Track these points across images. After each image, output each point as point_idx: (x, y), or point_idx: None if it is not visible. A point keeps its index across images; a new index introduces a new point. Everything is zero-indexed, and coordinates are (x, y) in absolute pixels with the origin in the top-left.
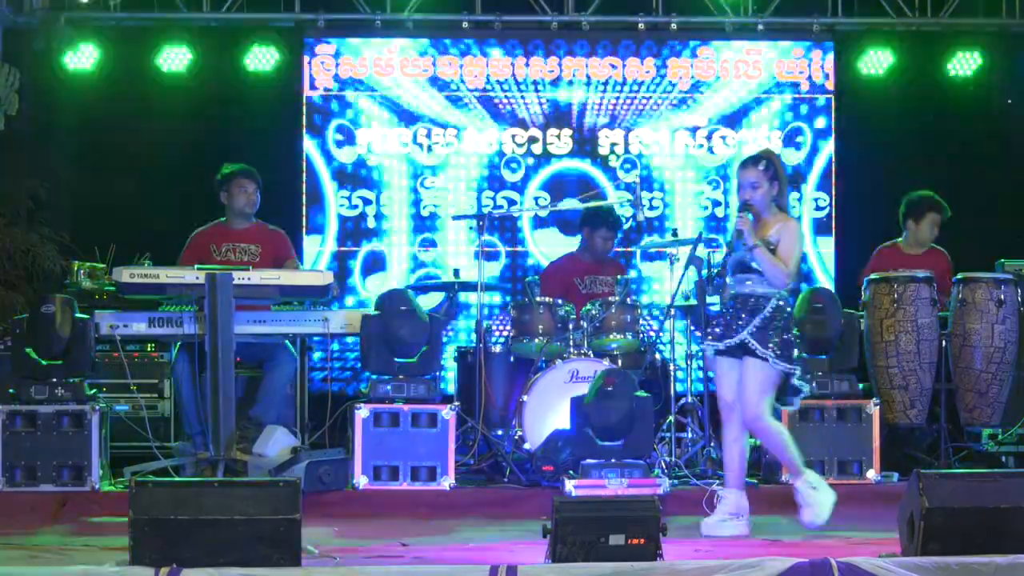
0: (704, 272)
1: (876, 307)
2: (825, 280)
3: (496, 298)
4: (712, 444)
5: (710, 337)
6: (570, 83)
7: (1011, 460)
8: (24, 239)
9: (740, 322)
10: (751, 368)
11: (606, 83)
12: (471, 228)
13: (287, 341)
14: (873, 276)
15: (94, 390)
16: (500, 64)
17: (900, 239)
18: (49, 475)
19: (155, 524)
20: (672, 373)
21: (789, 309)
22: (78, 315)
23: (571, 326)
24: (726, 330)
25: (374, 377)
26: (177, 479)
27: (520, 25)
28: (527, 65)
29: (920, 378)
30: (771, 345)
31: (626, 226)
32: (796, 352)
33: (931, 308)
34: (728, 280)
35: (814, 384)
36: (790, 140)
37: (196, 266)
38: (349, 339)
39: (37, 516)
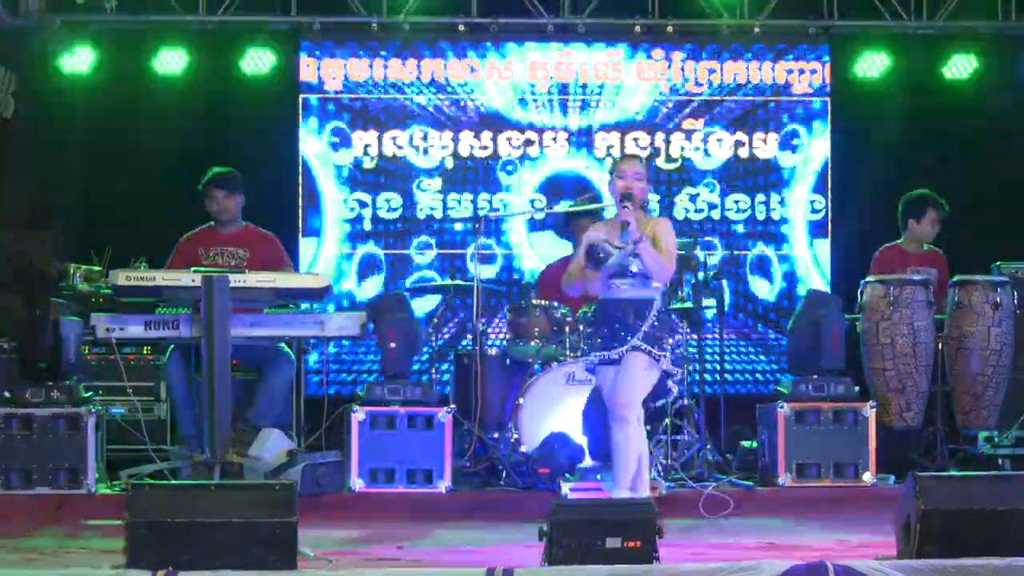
0: (700, 275)
1: (872, 310)
2: (821, 283)
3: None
4: (709, 447)
5: (595, 349)
6: (566, 85)
7: (1007, 463)
8: (19, 242)
9: (626, 330)
10: (639, 362)
11: (602, 86)
12: (467, 230)
13: (284, 344)
14: (869, 279)
15: (90, 393)
16: (496, 66)
17: (900, 240)
18: (45, 478)
19: (151, 527)
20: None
21: (665, 308)
22: (68, 318)
23: (567, 329)
24: (611, 340)
25: (369, 379)
26: (173, 482)
27: (516, 28)
28: (523, 67)
29: (916, 381)
30: (662, 348)
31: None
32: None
33: (927, 311)
34: (619, 284)
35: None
36: (786, 143)
37: (192, 269)
38: (345, 342)
39: (33, 519)
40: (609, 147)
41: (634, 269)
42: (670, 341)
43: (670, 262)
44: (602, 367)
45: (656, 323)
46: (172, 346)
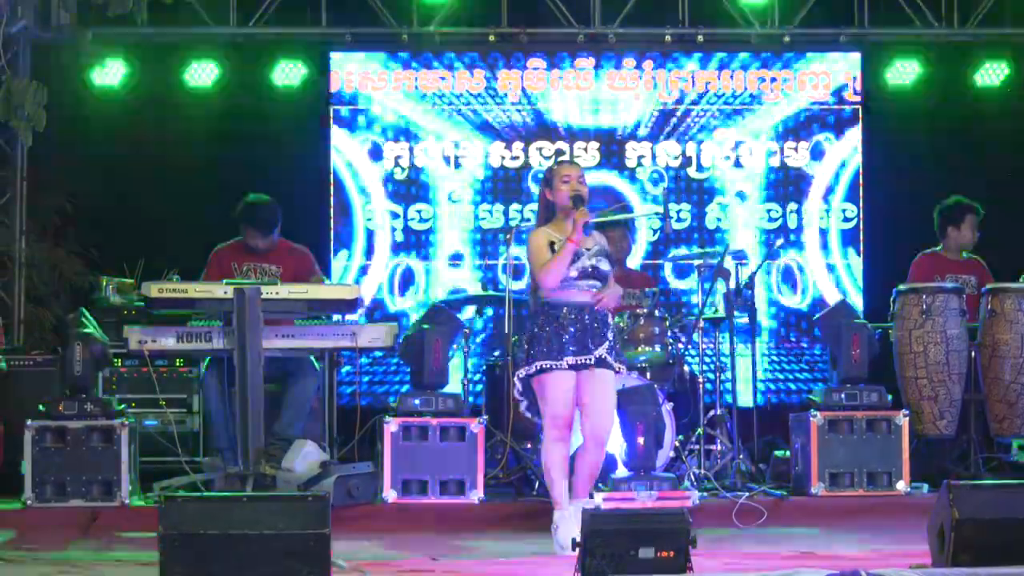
0: (732, 284)
1: (905, 318)
2: (854, 292)
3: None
4: (742, 456)
5: (566, 354)
6: (597, 96)
7: None
8: (52, 254)
9: (595, 336)
10: (608, 381)
11: (633, 95)
12: (499, 241)
13: (310, 355)
14: (901, 287)
15: (123, 405)
16: (527, 77)
17: (939, 247)
18: (79, 490)
19: (185, 539)
20: (700, 385)
21: None
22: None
23: None
24: (580, 346)
25: (403, 391)
26: (206, 494)
27: (547, 38)
28: (554, 77)
29: (949, 389)
30: (619, 358)
31: (654, 238)
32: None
33: (960, 319)
34: (577, 286)
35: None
36: (817, 151)
37: (224, 281)
38: (377, 353)
39: (67, 532)
40: (640, 157)
41: (604, 268)
42: (617, 350)
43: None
44: (559, 373)
45: (615, 333)
46: (208, 358)
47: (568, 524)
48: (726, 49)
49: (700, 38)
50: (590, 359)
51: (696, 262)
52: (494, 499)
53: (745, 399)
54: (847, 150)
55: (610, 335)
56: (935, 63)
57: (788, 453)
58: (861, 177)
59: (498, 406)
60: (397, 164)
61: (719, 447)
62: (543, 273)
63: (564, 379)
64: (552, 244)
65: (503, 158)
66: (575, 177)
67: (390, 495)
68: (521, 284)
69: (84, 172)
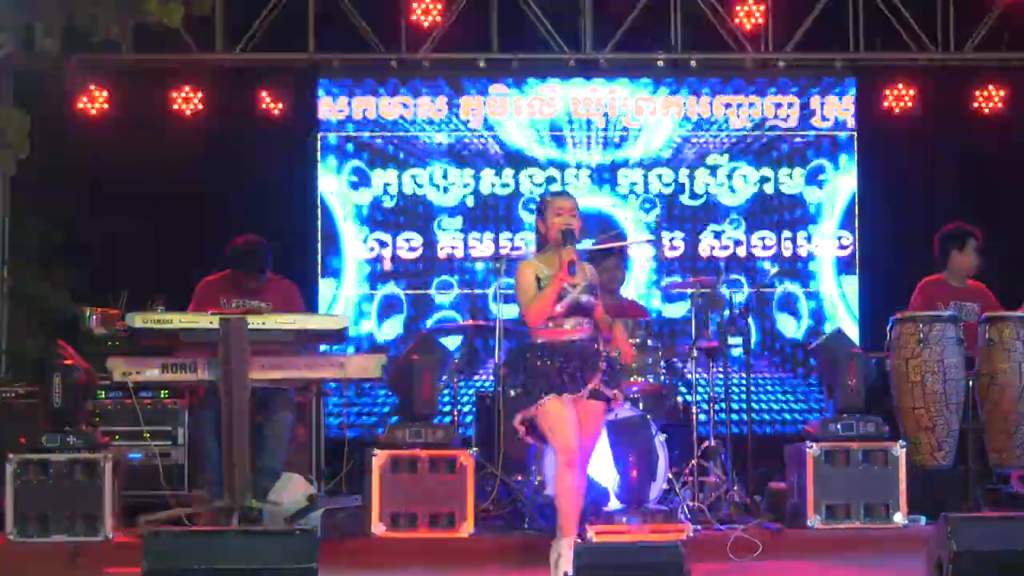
0: (726, 312)
1: (902, 347)
2: (849, 320)
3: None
4: (736, 488)
5: (558, 387)
6: (588, 122)
7: None
8: (35, 285)
9: (588, 369)
10: (598, 408)
11: (624, 121)
12: (488, 270)
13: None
14: (898, 315)
15: (107, 439)
16: (517, 103)
17: (943, 274)
18: (61, 525)
19: (169, 574)
20: (694, 416)
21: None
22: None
23: None
24: (573, 381)
25: (391, 422)
26: (192, 528)
27: (537, 63)
28: (545, 104)
29: (947, 419)
30: (612, 386)
31: (648, 267)
32: None
33: (957, 347)
34: (565, 323)
35: (839, 425)
36: (812, 177)
37: (210, 311)
38: (366, 384)
39: (50, 567)
40: (632, 184)
41: (590, 306)
42: (611, 381)
43: (606, 318)
44: (559, 403)
45: (606, 363)
46: (200, 389)
47: (570, 555)
48: (719, 75)
49: (693, 63)
50: (584, 392)
51: (689, 290)
52: (485, 533)
53: (739, 430)
54: (842, 176)
55: (603, 365)
56: (932, 88)
57: (784, 485)
58: (857, 204)
59: (488, 437)
60: (385, 192)
61: (713, 479)
62: (528, 311)
63: (566, 408)
64: (539, 280)
65: (493, 185)
66: (567, 210)
67: (378, 529)
68: (512, 312)
69: (68, 201)
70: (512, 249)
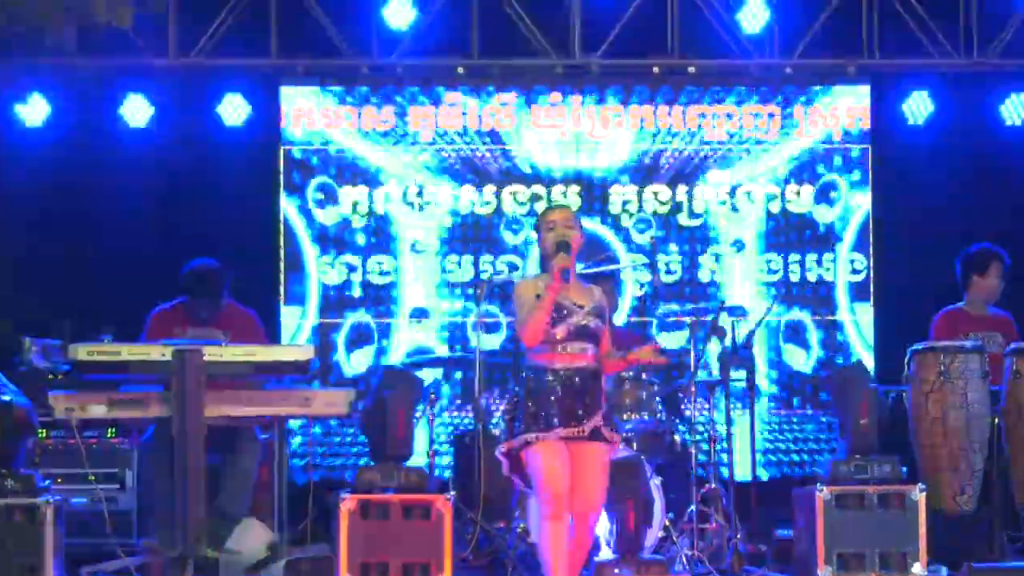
0: (728, 343)
1: (921, 381)
2: (864, 351)
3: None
4: (739, 535)
5: (551, 421)
6: (577, 134)
7: None
8: None
9: (589, 404)
10: (602, 456)
11: (617, 133)
12: (468, 296)
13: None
14: (917, 347)
15: (48, 481)
16: (499, 113)
17: (961, 303)
18: None
19: None
20: (693, 457)
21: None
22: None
23: None
24: (570, 416)
25: (360, 464)
26: None
27: (522, 70)
28: (529, 114)
29: (971, 459)
30: (614, 427)
31: (641, 292)
32: None
33: (982, 381)
34: (567, 348)
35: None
36: (823, 195)
37: (163, 341)
38: (333, 421)
39: None
40: (625, 202)
41: (596, 331)
42: (615, 421)
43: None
44: (557, 444)
45: (610, 399)
46: (147, 427)
47: None
48: (721, 82)
49: (692, 70)
50: (582, 430)
51: (688, 319)
52: None
53: (743, 471)
54: (856, 194)
55: (604, 403)
56: (953, 96)
57: (791, 532)
58: (871, 224)
59: (468, 480)
60: (355, 210)
61: (714, 526)
62: (522, 329)
63: (555, 451)
64: (539, 298)
65: (473, 203)
66: (560, 222)
67: None
68: (494, 343)
69: (5, 221)
70: (494, 274)
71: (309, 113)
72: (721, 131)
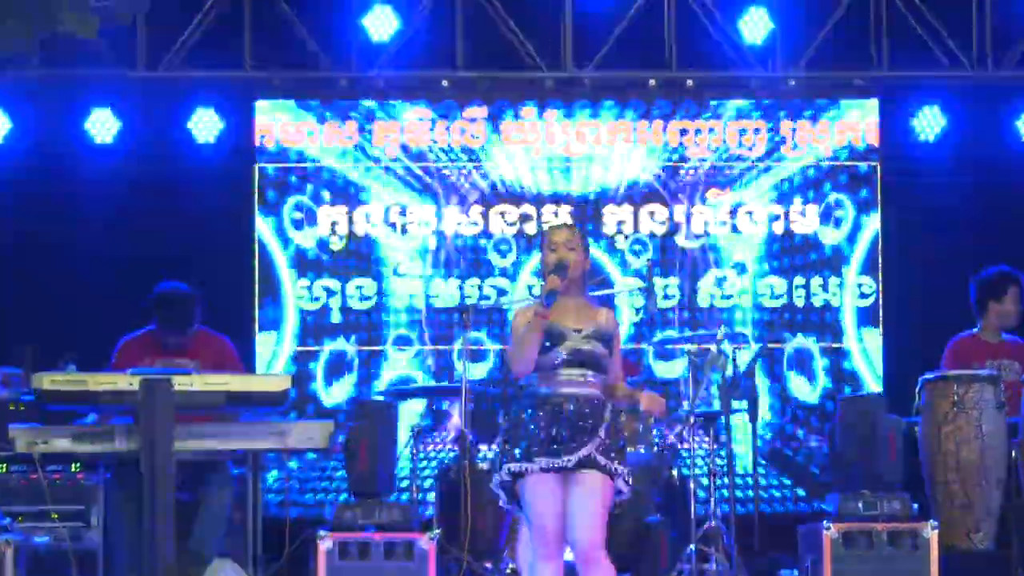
0: (728, 372)
1: (933, 412)
2: (872, 381)
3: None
4: None
5: (541, 454)
6: (568, 150)
7: None
8: None
9: (581, 433)
10: (595, 484)
11: (611, 150)
12: (454, 322)
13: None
14: (929, 376)
15: (8, 519)
16: (487, 129)
17: (975, 329)
18: None
19: None
20: (692, 493)
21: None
22: None
23: None
24: (557, 445)
25: (339, 500)
26: None
27: (510, 83)
28: (519, 130)
29: (986, 495)
30: (617, 458)
31: (636, 319)
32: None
33: (997, 412)
34: (560, 375)
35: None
36: (828, 215)
37: (131, 370)
38: (310, 455)
39: None
40: (620, 223)
41: (596, 356)
42: (622, 452)
43: (620, 372)
44: (539, 475)
45: (611, 428)
46: (109, 463)
47: None
48: (721, 96)
49: (690, 83)
50: (569, 460)
51: (686, 346)
52: None
53: (745, 508)
54: (864, 214)
55: (603, 432)
56: (967, 110)
57: (796, 572)
58: (880, 245)
59: (453, 518)
60: (334, 232)
61: (715, 566)
62: (510, 357)
63: (542, 484)
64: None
65: (459, 224)
66: (561, 243)
67: None
68: (481, 372)
69: None
70: (480, 298)
71: (285, 129)
72: (721, 147)
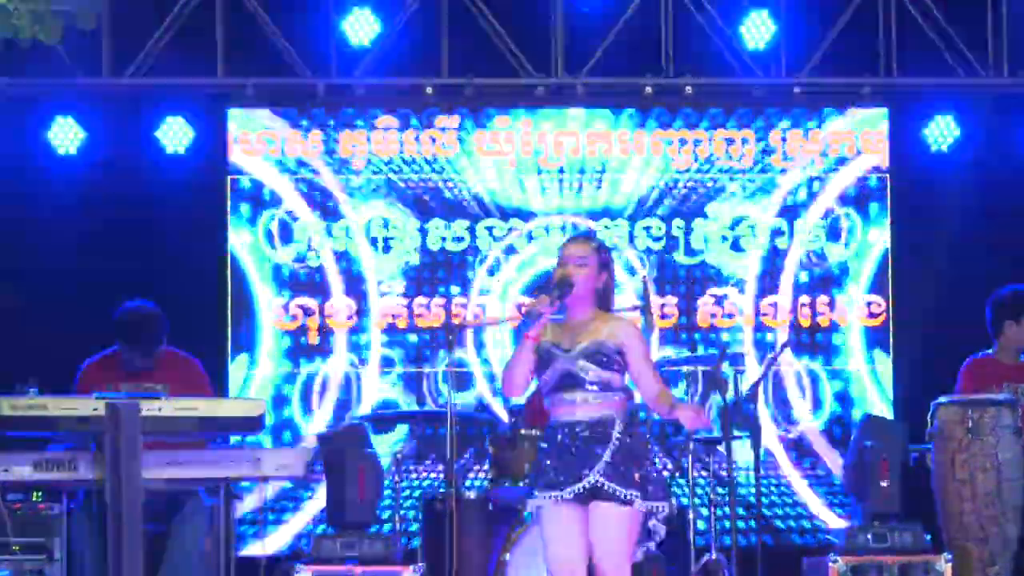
0: (730, 396)
1: (946, 439)
2: (882, 404)
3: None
4: None
5: (548, 486)
6: (560, 162)
7: None
8: None
9: (585, 459)
10: (611, 518)
11: (605, 161)
12: (438, 343)
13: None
14: (942, 400)
15: None
16: (473, 139)
17: (991, 350)
18: None
19: None
20: (692, 523)
21: (642, 428)
22: None
23: None
24: (561, 475)
25: (318, 531)
26: None
27: (498, 90)
28: (508, 140)
29: (1002, 527)
30: (633, 482)
31: None
32: (667, 486)
33: (1015, 438)
34: (560, 398)
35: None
36: (835, 230)
37: (95, 395)
38: (287, 484)
39: None
40: (616, 238)
41: (588, 376)
42: (637, 474)
43: (658, 380)
44: (552, 508)
45: (620, 450)
46: (75, 492)
47: None
48: (721, 103)
49: (689, 90)
50: (577, 489)
51: (685, 368)
52: None
53: (747, 540)
54: (872, 228)
55: (609, 455)
56: (981, 120)
57: None
58: (890, 263)
59: (438, 550)
60: (310, 247)
61: None
62: (501, 381)
63: (555, 515)
64: (538, 346)
65: (443, 240)
66: (572, 258)
67: None
68: (467, 397)
69: None
70: (466, 318)
71: (260, 138)
72: (721, 158)
